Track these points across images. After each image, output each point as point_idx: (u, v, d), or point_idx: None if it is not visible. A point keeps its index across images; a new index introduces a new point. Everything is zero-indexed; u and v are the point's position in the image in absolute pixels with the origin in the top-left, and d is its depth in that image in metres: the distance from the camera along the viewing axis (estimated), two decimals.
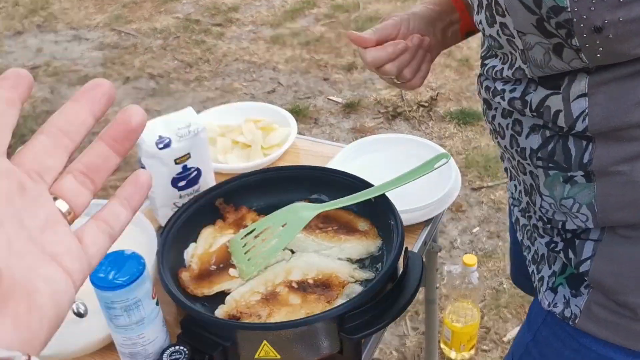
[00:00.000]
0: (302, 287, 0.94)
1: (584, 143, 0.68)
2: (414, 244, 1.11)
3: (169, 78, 3.60)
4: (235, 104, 1.50)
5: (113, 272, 0.77)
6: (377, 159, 1.28)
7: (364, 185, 1.07)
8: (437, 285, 1.90)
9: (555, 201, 0.74)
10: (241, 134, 1.38)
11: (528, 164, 0.76)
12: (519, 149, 0.76)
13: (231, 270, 0.98)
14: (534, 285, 0.88)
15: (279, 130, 1.40)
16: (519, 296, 2.09)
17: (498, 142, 0.82)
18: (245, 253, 1.00)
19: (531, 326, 0.88)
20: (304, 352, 0.87)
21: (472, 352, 1.91)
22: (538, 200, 0.78)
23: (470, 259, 1.69)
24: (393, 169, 1.18)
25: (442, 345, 1.92)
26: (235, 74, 3.63)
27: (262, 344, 0.86)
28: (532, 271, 0.88)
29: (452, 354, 1.91)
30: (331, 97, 3.37)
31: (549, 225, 0.80)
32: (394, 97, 3.32)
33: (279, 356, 0.87)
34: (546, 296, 0.83)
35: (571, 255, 0.76)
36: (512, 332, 1.97)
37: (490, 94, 0.78)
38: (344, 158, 1.26)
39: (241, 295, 0.94)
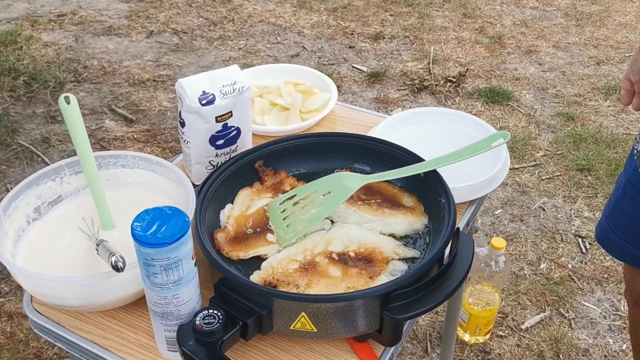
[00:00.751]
0: (343, 260, 0.90)
1: None
2: (457, 224, 1.06)
3: (193, 35, 3.53)
4: (274, 65, 1.44)
5: (156, 228, 0.73)
6: (422, 132, 1.23)
7: (412, 158, 1.01)
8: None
9: None
10: (280, 96, 1.32)
11: None
12: None
13: (268, 236, 0.94)
14: None
15: (319, 94, 1.34)
16: (540, 283, 2.05)
17: None
18: (283, 219, 0.96)
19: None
20: (341, 327, 0.83)
21: (487, 337, 1.88)
22: None
23: (499, 242, 1.63)
24: (439, 145, 1.13)
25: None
26: (260, 36, 3.55)
27: (300, 316, 0.82)
28: None
29: (466, 337, 1.87)
30: (356, 65, 3.29)
31: None
32: (421, 70, 3.24)
33: (315, 329, 0.83)
34: None
35: None
36: (531, 320, 1.94)
37: None
38: (387, 129, 1.21)
39: (278, 262, 0.90)
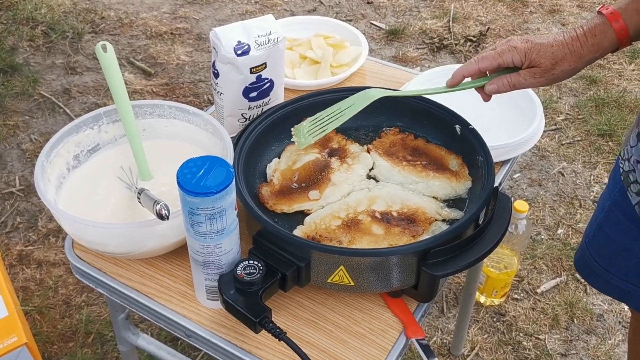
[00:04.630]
0: (386, 219, 0.90)
1: None
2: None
3: None
4: (304, 17, 1.41)
5: (201, 177, 0.73)
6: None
7: (449, 114, 1.01)
8: None
9: None
10: (310, 49, 1.30)
11: None
12: None
13: (311, 193, 0.94)
14: None
15: (349, 48, 1.32)
16: (557, 249, 2.06)
17: None
18: (307, 133, 0.96)
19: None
20: (378, 282, 0.84)
21: (503, 299, 1.90)
22: None
23: (522, 205, 1.63)
24: (472, 102, 1.12)
25: None
26: None
27: (339, 269, 0.83)
28: None
29: (482, 299, 1.89)
30: (374, 22, 3.23)
31: None
32: (441, 28, 3.17)
33: (352, 283, 0.84)
34: None
35: None
36: (547, 285, 1.95)
37: None
38: (419, 85, 1.19)
39: (321, 218, 0.90)
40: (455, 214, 0.92)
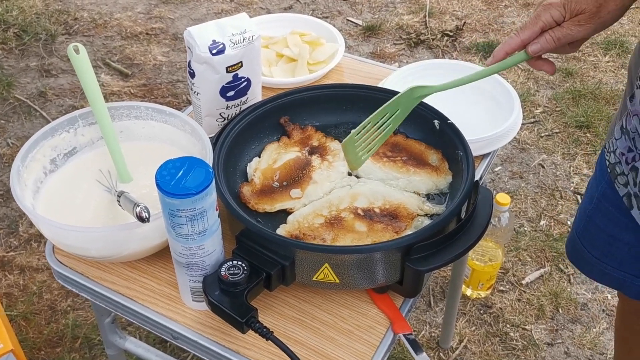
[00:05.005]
0: (369, 215, 0.90)
1: None
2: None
3: None
4: (279, 14, 1.40)
5: (180, 179, 0.72)
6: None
7: (429, 111, 1.01)
8: None
9: None
10: (286, 47, 1.30)
11: None
12: None
13: (292, 192, 0.94)
14: None
15: (326, 45, 1.32)
16: (540, 240, 2.08)
17: None
18: (357, 150, 0.93)
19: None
20: (363, 278, 0.84)
21: (489, 292, 1.91)
22: None
23: (504, 198, 1.64)
24: (452, 97, 1.12)
25: None
26: None
27: (323, 267, 0.82)
28: None
29: (468, 292, 1.90)
30: (350, 19, 3.23)
31: None
32: (417, 24, 3.18)
33: (338, 280, 0.84)
34: None
35: None
36: (531, 276, 1.97)
37: None
38: (397, 81, 1.19)
39: (304, 217, 0.90)
40: (437, 208, 0.92)
